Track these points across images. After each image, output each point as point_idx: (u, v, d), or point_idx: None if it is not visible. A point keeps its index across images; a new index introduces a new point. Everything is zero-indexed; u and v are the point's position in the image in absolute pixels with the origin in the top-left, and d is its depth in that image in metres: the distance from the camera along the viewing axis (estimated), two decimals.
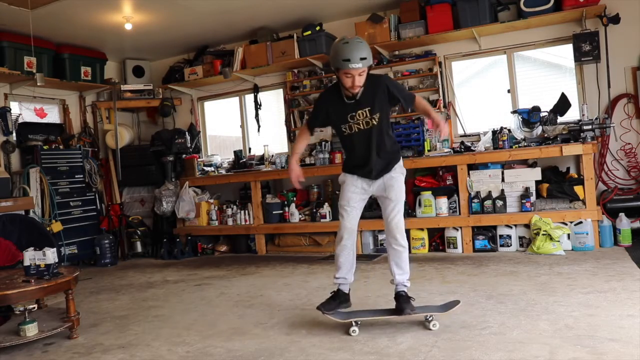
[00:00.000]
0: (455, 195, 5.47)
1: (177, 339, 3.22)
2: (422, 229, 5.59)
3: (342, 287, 3.22)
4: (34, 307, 3.49)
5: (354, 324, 3.02)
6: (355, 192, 3.15)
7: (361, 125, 3.03)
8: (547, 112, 5.36)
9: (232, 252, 6.75)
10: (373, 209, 5.88)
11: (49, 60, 6.51)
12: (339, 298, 3.20)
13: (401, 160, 3.21)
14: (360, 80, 2.90)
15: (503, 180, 5.36)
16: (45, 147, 6.33)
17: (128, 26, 5.98)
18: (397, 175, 3.14)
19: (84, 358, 3.03)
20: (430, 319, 3.01)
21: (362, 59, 2.83)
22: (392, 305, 3.14)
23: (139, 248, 7.07)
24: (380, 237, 5.80)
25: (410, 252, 5.48)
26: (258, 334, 3.20)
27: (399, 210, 3.10)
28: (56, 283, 3.26)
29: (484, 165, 5.43)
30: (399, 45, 6.14)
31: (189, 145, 7.05)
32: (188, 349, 3.03)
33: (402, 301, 3.06)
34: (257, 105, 7.14)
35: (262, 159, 6.89)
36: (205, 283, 4.93)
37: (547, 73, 6.10)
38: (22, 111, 6.53)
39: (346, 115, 3.03)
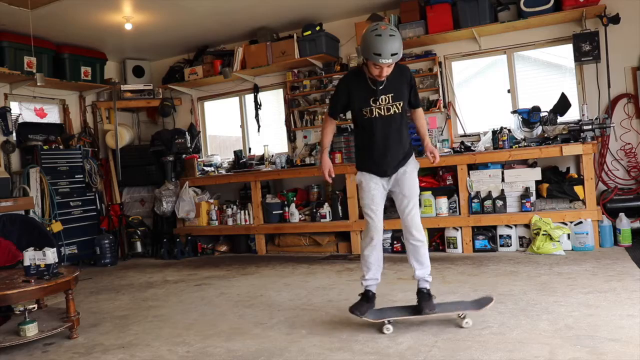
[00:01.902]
0: (455, 195, 5.46)
1: (177, 339, 3.22)
2: None
3: (371, 288, 3.17)
4: (34, 307, 3.50)
5: (387, 322, 3.01)
6: (378, 190, 3.11)
7: (382, 110, 3.01)
8: (547, 112, 5.36)
9: (232, 252, 6.75)
10: None
11: (49, 60, 6.51)
12: (368, 299, 3.14)
13: (414, 155, 3.21)
14: (388, 71, 2.89)
15: (503, 180, 5.36)
16: (45, 147, 6.33)
17: (128, 26, 5.98)
18: (411, 169, 3.12)
19: (84, 358, 3.03)
20: (462, 316, 2.99)
21: (393, 54, 2.79)
22: (399, 302, 3.13)
23: (139, 248, 7.07)
24: (384, 236, 5.78)
25: None
26: (258, 334, 3.21)
27: (414, 205, 3.09)
28: (56, 283, 3.27)
29: (484, 165, 5.43)
30: None
31: (189, 145, 7.05)
32: (188, 349, 3.03)
33: (423, 299, 3.05)
34: (257, 105, 7.14)
35: (262, 159, 6.89)
36: (205, 283, 4.93)
37: (547, 73, 6.10)
38: (22, 111, 6.53)
39: (369, 99, 3.00)
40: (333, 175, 3.28)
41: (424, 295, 3.07)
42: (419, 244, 3.10)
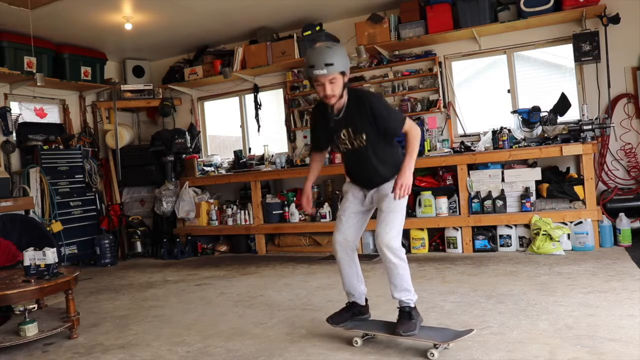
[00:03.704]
0: (455, 195, 5.46)
1: (177, 339, 3.22)
2: (422, 229, 5.59)
3: (351, 299, 2.99)
4: (34, 307, 3.50)
5: (359, 337, 2.87)
6: (354, 203, 2.92)
7: (348, 144, 2.82)
8: (547, 112, 5.36)
9: (232, 252, 6.75)
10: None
11: (49, 60, 6.51)
12: (352, 310, 2.98)
13: None
14: (332, 89, 2.65)
15: (503, 180, 5.36)
16: (45, 147, 6.33)
17: (128, 26, 5.98)
18: (389, 196, 2.78)
19: (84, 358, 3.03)
20: (436, 346, 2.59)
21: (327, 64, 2.58)
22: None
23: (139, 248, 7.07)
24: None
25: (410, 252, 5.56)
26: (258, 334, 3.21)
27: (387, 223, 2.73)
28: (56, 283, 3.27)
29: (484, 165, 5.43)
30: (399, 45, 6.14)
31: (189, 145, 7.05)
32: (188, 349, 3.03)
33: (401, 318, 2.74)
34: (257, 105, 7.14)
35: (262, 159, 6.89)
36: (205, 283, 4.93)
37: (547, 73, 6.10)
38: (22, 111, 6.53)
39: (332, 135, 2.85)
40: (311, 207, 3.10)
41: (403, 314, 2.74)
42: (390, 266, 2.72)
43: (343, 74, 2.69)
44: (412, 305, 2.76)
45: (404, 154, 2.80)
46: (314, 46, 2.70)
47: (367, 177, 2.87)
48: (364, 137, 2.77)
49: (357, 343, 2.86)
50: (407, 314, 2.74)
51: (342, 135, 2.81)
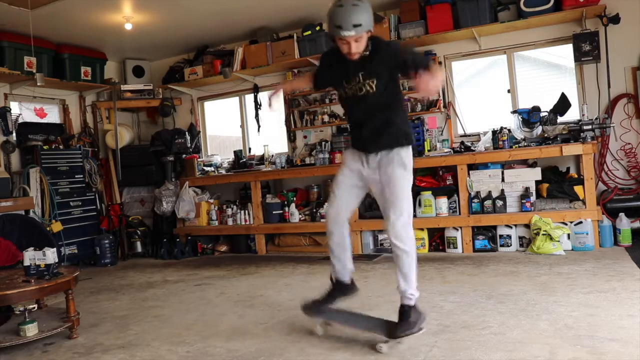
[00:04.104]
0: (455, 195, 5.46)
1: (177, 339, 3.22)
2: (422, 229, 5.58)
3: (340, 277, 2.95)
4: (34, 307, 3.50)
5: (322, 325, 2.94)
6: (349, 177, 2.87)
7: (356, 89, 2.74)
8: (547, 112, 5.36)
9: (232, 252, 6.75)
10: (373, 209, 5.89)
11: (49, 60, 6.51)
12: (336, 293, 2.96)
13: (407, 150, 2.78)
14: (357, 47, 2.61)
15: (503, 180, 5.36)
16: (45, 147, 6.33)
17: (128, 26, 5.98)
18: (397, 169, 2.72)
19: (84, 358, 3.03)
20: (385, 342, 2.67)
21: (355, 25, 2.51)
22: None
23: (139, 248, 7.06)
24: (380, 237, 5.80)
25: None
26: (258, 334, 3.20)
27: (395, 208, 2.69)
28: (56, 283, 3.26)
29: (484, 165, 5.43)
30: None
31: (189, 145, 7.05)
32: (188, 349, 3.03)
33: (400, 319, 2.72)
34: (257, 105, 7.14)
35: (262, 159, 6.90)
36: (205, 283, 4.93)
37: (547, 73, 6.10)
38: (22, 111, 6.53)
39: (343, 77, 2.77)
40: (275, 103, 3.14)
41: (403, 314, 2.72)
42: (399, 252, 2.69)
43: (369, 31, 2.62)
44: (412, 304, 2.74)
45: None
46: (340, 2, 2.55)
47: (372, 130, 2.75)
48: (375, 82, 2.69)
49: (319, 332, 2.96)
50: (407, 313, 2.72)
51: (355, 79, 2.73)
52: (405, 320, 2.70)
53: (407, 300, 2.74)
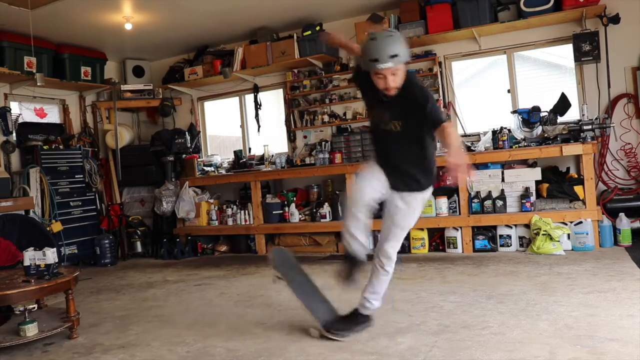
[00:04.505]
0: (455, 195, 5.46)
1: (177, 339, 3.22)
2: (422, 229, 5.58)
3: (357, 253, 2.80)
4: (34, 307, 3.49)
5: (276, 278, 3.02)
6: (376, 175, 2.74)
7: (383, 125, 2.69)
8: (547, 112, 5.36)
9: (232, 252, 6.75)
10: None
11: (49, 60, 6.50)
12: (354, 267, 2.81)
13: (425, 192, 2.80)
14: (395, 81, 2.53)
15: (503, 180, 5.36)
16: (45, 147, 6.33)
17: (128, 26, 5.98)
18: (416, 204, 2.75)
19: (84, 358, 3.03)
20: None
21: (392, 56, 2.44)
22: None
23: (139, 248, 7.06)
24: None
25: (410, 252, 5.56)
26: (258, 334, 3.20)
27: (396, 239, 2.78)
28: (56, 283, 3.27)
29: (484, 165, 5.43)
30: None
31: (189, 145, 7.05)
32: (188, 349, 3.03)
33: (346, 318, 2.88)
34: (257, 105, 7.14)
35: (262, 159, 6.90)
36: (205, 283, 4.93)
37: (547, 73, 6.10)
38: (22, 111, 6.53)
39: (373, 107, 2.76)
40: (335, 39, 3.07)
41: (352, 314, 2.87)
42: (380, 271, 2.81)
43: (406, 63, 2.56)
44: (366, 313, 2.88)
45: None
46: (374, 35, 2.52)
47: (395, 174, 2.72)
48: (401, 124, 2.64)
49: (312, 332, 2.99)
50: (356, 317, 2.87)
51: (380, 114, 2.69)
52: (349, 322, 2.88)
53: (363, 309, 2.90)
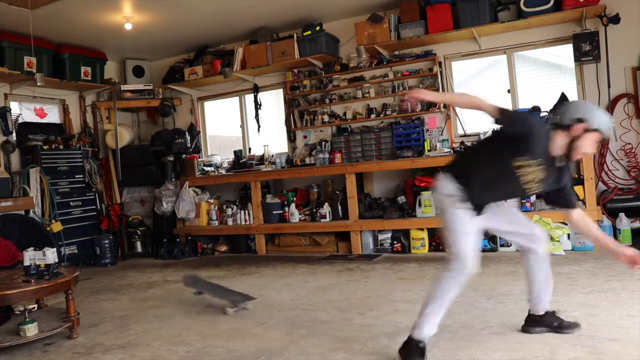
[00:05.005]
0: None
1: (177, 339, 3.22)
2: (422, 229, 5.58)
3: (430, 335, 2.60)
4: (34, 307, 3.50)
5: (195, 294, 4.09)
6: (477, 228, 2.67)
7: (527, 179, 2.54)
8: (547, 112, 5.36)
9: (232, 252, 6.75)
10: (373, 209, 5.90)
11: (49, 60, 6.50)
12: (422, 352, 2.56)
13: None
14: (592, 152, 2.57)
15: None
16: (45, 147, 6.33)
17: (128, 26, 5.98)
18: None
19: (84, 358, 3.03)
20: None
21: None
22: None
23: (139, 248, 7.06)
24: (380, 237, 5.80)
25: (410, 252, 5.57)
26: (258, 334, 3.21)
27: (524, 216, 2.86)
28: (56, 283, 3.27)
29: None
30: (399, 45, 6.14)
31: (189, 145, 7.05)
32: (188, 349, 3.03)
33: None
34: (257, 105, 7.14)
35: (262, 159, 6.89)
36: None
37: (547, 73, 6.11)
38: (22, 111, 6.53)
39: (539, 158, 2.51)
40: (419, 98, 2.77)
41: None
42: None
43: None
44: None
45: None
46: (602, 109, 2.57)
47: (500, 202, 2.71)
48: (539, 186, 2.60)
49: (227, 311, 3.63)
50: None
51: (549, 174, 2.55)
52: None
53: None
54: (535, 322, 2.82)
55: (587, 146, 2.47)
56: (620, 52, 5.31)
